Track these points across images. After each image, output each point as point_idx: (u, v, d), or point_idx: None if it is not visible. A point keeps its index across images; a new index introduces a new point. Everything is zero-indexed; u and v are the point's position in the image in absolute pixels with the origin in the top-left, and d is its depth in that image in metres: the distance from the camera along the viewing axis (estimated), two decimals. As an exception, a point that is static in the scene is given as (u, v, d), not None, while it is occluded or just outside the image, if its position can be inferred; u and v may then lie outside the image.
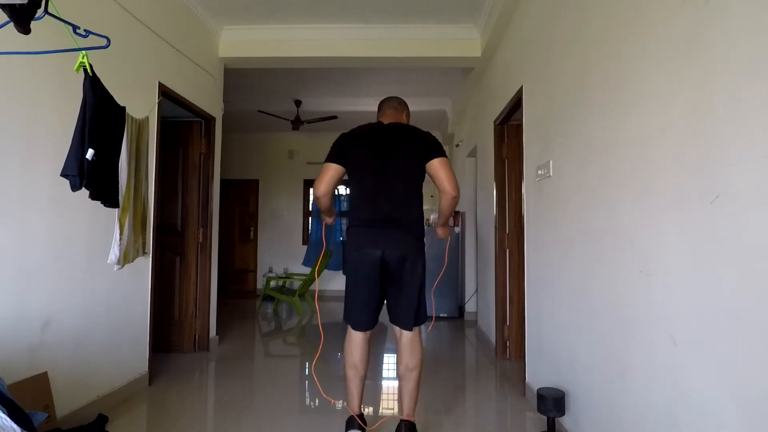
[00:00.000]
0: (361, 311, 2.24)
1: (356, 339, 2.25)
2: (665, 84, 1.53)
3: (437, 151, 2.18)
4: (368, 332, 2.28)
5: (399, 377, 2.26)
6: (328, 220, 2.52)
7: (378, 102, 2.52)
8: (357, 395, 2.26)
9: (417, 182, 2.23)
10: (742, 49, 1.20)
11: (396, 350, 2.32)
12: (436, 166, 2.15)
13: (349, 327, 2.29)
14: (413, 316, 2.21)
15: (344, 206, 7.21)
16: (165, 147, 3.75)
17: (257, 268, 7.91)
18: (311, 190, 8.07)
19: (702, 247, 1.34)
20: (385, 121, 2.36)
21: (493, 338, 4.10)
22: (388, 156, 2.20)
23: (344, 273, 2.36)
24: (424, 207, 2.40)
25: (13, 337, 2.08)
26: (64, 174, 1.84)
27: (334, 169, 2.23)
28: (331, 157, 2.25)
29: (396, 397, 3.02)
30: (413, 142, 2.22)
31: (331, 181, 2.23)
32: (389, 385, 3.33)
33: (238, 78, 4.89)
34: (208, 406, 2.95)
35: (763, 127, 1.12)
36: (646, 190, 1.64)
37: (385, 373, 3.61)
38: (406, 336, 2.23)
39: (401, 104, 2.46)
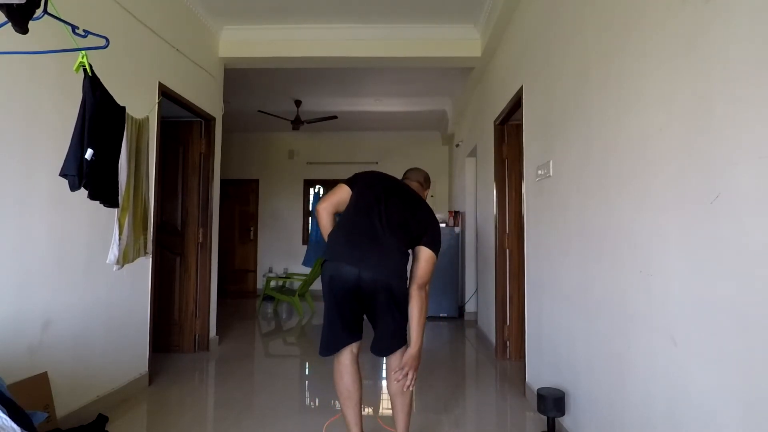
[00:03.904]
0: (328, 335, 2.09)
1: (344, 361, 2.11)
2: (665, 84, 1.52)
3: (434, 244, 2.11)
4: (356, 350, 2.13)
5: (391, 395, 2.14)
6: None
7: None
8: (355, 422, 2.12)
9: (406, 243, 2.09)
10: (742, 49, 1.20)
11: (385, 367, 2.21)
12: (425, 254, 2.07)
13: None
14: (396, 346, 2.08)
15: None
16: (165, 147, 3.75)
17: (257, 268, 7.91)
18: (311, 190, 8.09)
19: (702, 247, 1.34)
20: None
21: (493, 338, 4.10)
22: (397, 208, 2.10)
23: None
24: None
25: (13, 337, 2.08)
26: (63, 174, 1.84)
27: (342, 190, 2.17)
28: (346, 180, 2.21)
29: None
30: (423, 220, 2.14)
31: (334, 201, 2.16)
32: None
33: (238, 78, 4.89)
34: (208, 406, 2.95)
35: (763, 127, 1.12)
36: (646, 190, 1.64)
37: (384, 373, 3.60)
38: (395, 353, 2.11)
39: (427, 182, 2.42)
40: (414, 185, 2.35)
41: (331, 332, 2.09)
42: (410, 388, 2.09)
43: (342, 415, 2.17)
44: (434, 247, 2.10)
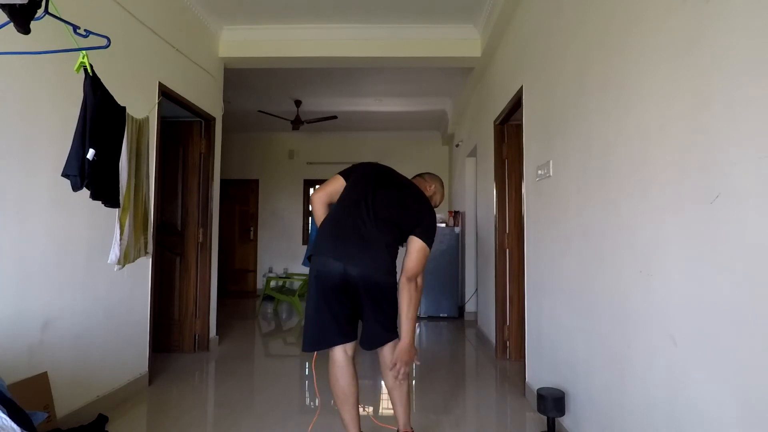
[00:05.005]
0: (313, 329, 2.03)
1: (339, 362, 2.06)
2: (665, 83, 1.53)
3: (427, 235, 2.07)
4: (351, 352, 2.09)
5: (388, 389, 2.13)
6: None
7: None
8: (353, 423, 2.09)
9: (395, 237, 2.06)
10: (742, 48, 1.20)
11: (380, 362, 2.16)
12: (415, 245, 2.04)
13: (330, 351, 2.08)
14: (385, 337, 2.05)
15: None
16: (165, 147, 3.75)
17: (257, 268, 7.92)
18: (311, 190, 8.10)
19: (702, 247, 1.34)
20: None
21: (493, 338, 4.10)
22: (387, 201, 2.08)
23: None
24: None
25: (13, 337, 2.08)
26: (65, 174, 1.84)
27: (336, 181, 2.16)
28: (342, 171, 2.20)
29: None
30: (416, 210, 2.11)
31: (328, 191, 2.15)
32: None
33: (238, 78, 4.89)
34: (208, 407, 2.95)
35: (763, 127, 1.12)
36: (646, 190, 1.64)
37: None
38: (386, 347, 2.09)
39: (432, 177, 2.39)
40: (415, 179, 2.36)
41: (317, 327, 2.02)
42: (404, 381, 2.08)
43: (339, 417, 2.16)
44: (426, 238, 2.06)
